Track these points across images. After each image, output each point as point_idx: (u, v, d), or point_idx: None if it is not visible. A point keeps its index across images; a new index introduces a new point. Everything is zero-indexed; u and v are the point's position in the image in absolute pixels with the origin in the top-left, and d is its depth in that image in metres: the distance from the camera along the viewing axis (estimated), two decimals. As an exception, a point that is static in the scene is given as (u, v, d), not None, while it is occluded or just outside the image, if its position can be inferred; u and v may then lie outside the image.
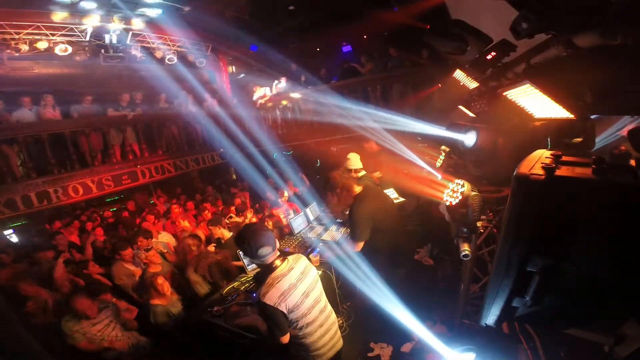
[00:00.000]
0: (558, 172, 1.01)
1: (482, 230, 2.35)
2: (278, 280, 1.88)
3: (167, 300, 3.19)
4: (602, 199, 0.95)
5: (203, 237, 4.49)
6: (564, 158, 1.12)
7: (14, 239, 7.37)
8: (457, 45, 2.48)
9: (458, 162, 2.83)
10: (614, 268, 1.03)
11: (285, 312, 1.84)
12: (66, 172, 6.18)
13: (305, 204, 5.08)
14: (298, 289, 1.92)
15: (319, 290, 2.08)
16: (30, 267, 4.12)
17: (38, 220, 7.04)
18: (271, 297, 1.82)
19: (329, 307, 2.17)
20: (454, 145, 2.69)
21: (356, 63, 8.83)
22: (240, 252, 3.66)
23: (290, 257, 2.05)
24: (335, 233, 4.16)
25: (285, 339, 1.93)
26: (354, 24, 8.28)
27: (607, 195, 0.94)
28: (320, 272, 3.02)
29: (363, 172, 3.62)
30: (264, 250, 1.90)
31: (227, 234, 4.27)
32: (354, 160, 3.65)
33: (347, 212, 3.41)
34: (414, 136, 5.13)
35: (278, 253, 2.00)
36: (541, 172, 1.01)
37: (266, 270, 1.93)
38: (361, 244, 3.04)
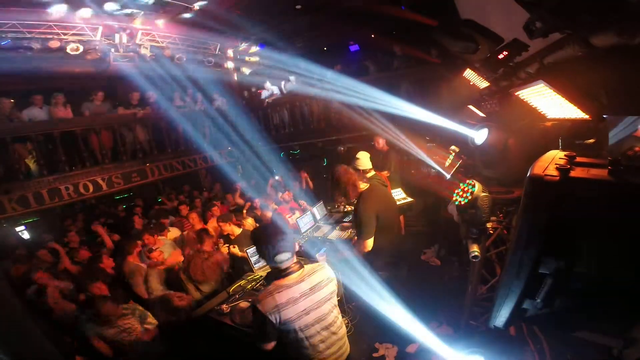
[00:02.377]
0: (573, 173, 1.00)
1: (491, 232, 2.33)
2: (279, 290, 1.78)
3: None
4: (619, 200, 0.93)
5: (214, 233, 4.52)
6: (579, 159, 1.11)
7: (26, 235, 7.51)
8: (466, 45, 2.45)
9: (467, 162, 2.81)
10: (628, 270, 1.02)
11: (274, 322, 1.75)
12: (77, 170, 6.27)
13: (312, 204, 5.09)
14: (298, 305, 1.79)
15: (327, 308, 1.91)
16: (43, 263, 4.22)
17: (49, 217, 7.15)
18: (265, 305, 1.74)
19: (338, 324, 2.00)
20: (463, 144, 2.66)
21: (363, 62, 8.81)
22: (248, 251, 3.68)
23: (307, 267, 1.92)
24: (341, 233, 4.16)
25: (269, 346, 1.85)
26: (362, 22, 8.24)
27: (625, 197, 0.93)
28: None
29: (372, 173, 3.54)
30: (282, 257, 1.81)
31: (237, 230, 4.29)
32: (364, 160, 3.54)
33: (353, 211, 3.38)
34: (422, 135, 5.10)
35: (295, 259, 1.90)
36: (555, 173, 1.00)
37: (276, 274, 1.85)
38: (370, 242, 2.98)
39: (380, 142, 5.21)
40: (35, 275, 3.57)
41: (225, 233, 4.28)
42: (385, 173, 4.46)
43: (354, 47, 10.09)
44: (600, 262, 1.03)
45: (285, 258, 1.82)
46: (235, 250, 3.97)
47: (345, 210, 4.88)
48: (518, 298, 1.24)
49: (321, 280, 1.90)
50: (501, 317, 1.39)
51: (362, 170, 3.46)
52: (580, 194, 0.98)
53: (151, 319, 3.11)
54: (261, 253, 1.87)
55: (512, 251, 1.14)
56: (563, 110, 1.42)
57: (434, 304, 3.71)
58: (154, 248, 4.13)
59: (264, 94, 9.30)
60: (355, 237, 3.30)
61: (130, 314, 3.00)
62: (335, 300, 1.98)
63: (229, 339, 2.85)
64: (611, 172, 0.96)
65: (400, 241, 3.25)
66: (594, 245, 1.02)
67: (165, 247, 4.45)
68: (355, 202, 3.12)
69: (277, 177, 6.70)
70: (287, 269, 1.84)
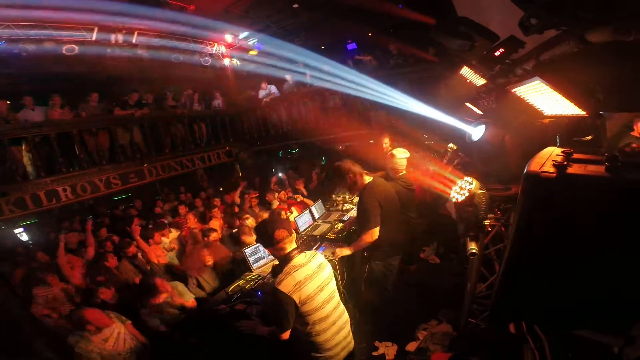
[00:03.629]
0: (570, 170, 0.99)
1: (489, 229, 2.33)
2: (295, 269, 1.90)
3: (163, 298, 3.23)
4: (616, 197, 0.93)
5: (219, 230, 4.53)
6: (576, 155, 1.10)
7: (24, 237, 7.49)
8: (463, 43, 2.45)
9: (465, 160, 2.81)
10: (626, 267, 1.02)
11: (297, 302, 1.84)
12: (74, 171, 6.24)
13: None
14: (314, 280, 1.92)
15: (333, 287, 2.07)
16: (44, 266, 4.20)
17: (47, 218, 7.14)
18: (286, 285, 1.83)
19: (342, 306, 2.16)
20: (461, 141, 2.66)
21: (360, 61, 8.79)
22: (246, 251, 3.68)
23: (307, 252, 2.07)
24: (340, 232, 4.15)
25: (286, 335, 1.92)
26: (359, 21, 8.24)
27: (622, 193, 0.92)
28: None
29: (403, 172, 3.51)
30: (280, 234, 1.92)
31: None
32: (400, 160, 3.46)
33: (357, 204, 3.37)
34: (420, 132, 5.10)
35: (295, 245, 2.02)
36: (552, 169, 0.99)
37: (284, 260, 1.96)
38: (376, 230, 3.02)
39: (387, 143, 5.01)
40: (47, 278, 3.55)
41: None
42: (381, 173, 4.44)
43: (351, 46, 10.08)
44: (599, 258, 1.03)
45: (284, 236, 1.93)
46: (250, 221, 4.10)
47: (344, 208, 4.88)
48: (517, 296, 1.24)
49: (321, 262, 2.06)
50: (501, 314, 1.39)
51: (397, 169, 3.46)
52: (578, 191, 0.98)
53: (124, 318, 3.01)
54: (263, 239, 2.01)
55: (509, 248, 1.14)
56: (560, 107, 1.42)
57: (433, 302, 3.72)
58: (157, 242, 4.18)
59: (262, 93, 9.28)
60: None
61: (116, 319, 2.92)
62: (334, 284, 2.11)
63: (227, 339, 2.84)
64: (608, 168, 0.96)
65: (401, 233, 3.27)
66: (592, 242, 1.01)
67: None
68: (359, 195, 3.16)
69: (280, 175, 6.73)
70: (291, 251, 1.96)
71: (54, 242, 5.01)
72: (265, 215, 5.10)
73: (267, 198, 6.05)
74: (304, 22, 8.75)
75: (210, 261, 3.72)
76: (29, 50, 6.19)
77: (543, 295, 1.18)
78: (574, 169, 1.01)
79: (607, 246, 1.00)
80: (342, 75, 7.44)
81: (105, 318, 2.72)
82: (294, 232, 2.05)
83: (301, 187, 6.47)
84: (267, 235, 1.94)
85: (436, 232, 5.08)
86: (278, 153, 10.25)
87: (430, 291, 3.98)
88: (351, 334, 2.18)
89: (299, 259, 1.96)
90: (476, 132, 2.34)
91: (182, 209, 5.95)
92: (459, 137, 3.13)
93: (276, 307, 1.90)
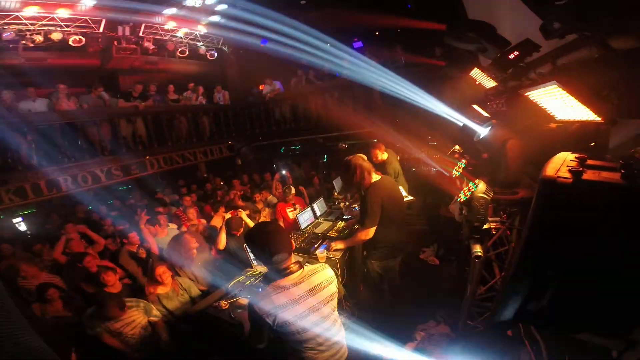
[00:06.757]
0: (585, 176, 0.99)
1: (494, 232, 2.32)
2: (278, 292, 1.72)
3: (163, 289, 3.26)
4: (631, 204, 0.93)
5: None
6: (590, 162, 1.10)
7: (22, 227, 7.48)
8: (476, 47, 2.44)
9: (471, 162, 2.80)
10: (636, 272, 1.02)
11: (271, 324, 1.70)
12: (76, 161, 6.23)
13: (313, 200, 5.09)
14: (297, 306, 1.73)
15: (327, 311, 1.85)
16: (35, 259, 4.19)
17: (47, 208, 7.12)
18: (262, 307, 1.69)
19: (337, 327, 1.92)
20: (467, 143, 2.66)
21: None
22: (248, 247, 3.67)
23: (307, 268, 1.85)
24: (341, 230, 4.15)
25: (261, 346, 1.84)
26: (366, 20, 8.21)
27: (638, 201, 0.92)
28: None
29: None
30: (280, 257, 1.74)
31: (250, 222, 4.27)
32: None
33: (360, 199, 3.35)
34: (424, 135, 5.09)
35: (294, 259, 1.83)
36: (568, 175, 0.99)
37: (274, 274, 1.78)
38: (372, 230, 3.01)
39: (378, 155, 4.74)
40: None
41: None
42: None
43: (357, 44, 10.03)
44: (611, 264, 1.02)
45: (283, 258, 1.75)
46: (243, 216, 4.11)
47: (346, 204, 4.88)
48: (524, 299, 1.23)
49: (321, 282, 1.83)
50: (505, 317, 1.39)
51: None
52: (593, 197, 0.97)
53: (156, 312, 3.13)
54: (257, 255, 1.82)
55: (520, 251, 1.14)
56: (574, 112, 1.41)
57: (432, 303, 3.73)
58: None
59: (266, 88, 9.27)
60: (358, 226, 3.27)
61: (135, 307, 3.02)
62: (335, 302, 1.92)
63: (227, 335, 2.84)
64: (624, 176, 0.95)
65: (401, 235, 3.26)
66: (604, 248, 1.01)
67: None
68: (363, 193, 3.12)
69: (283, 172, 6.73)
70: (285, 269, 1.77)
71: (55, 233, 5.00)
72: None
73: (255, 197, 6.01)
74: (311, 19, 8.70)
75: (195, 245, 3.65)
76: (36, 41, 6.17)
77: (551, 298, 1.18)
78: (588, 175, 1.01)
79: (619, 252, 1.00)
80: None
81: (123, 314, 2.91)
82: (293, 245, 1.86)
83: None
84: (263, 254, 1.75)
85: (437, 233, 5.10)
86: (280, 149, 10.25)
87: (429, 292, 3.99)
88: (344, 348, 1.98)
89: (290, 278, 1.77)
90: (485, 132, 2.33)
91: (187, 201, 5.93)
92: (465, 139, 3.12)
93: (251, 322, 1.78)
